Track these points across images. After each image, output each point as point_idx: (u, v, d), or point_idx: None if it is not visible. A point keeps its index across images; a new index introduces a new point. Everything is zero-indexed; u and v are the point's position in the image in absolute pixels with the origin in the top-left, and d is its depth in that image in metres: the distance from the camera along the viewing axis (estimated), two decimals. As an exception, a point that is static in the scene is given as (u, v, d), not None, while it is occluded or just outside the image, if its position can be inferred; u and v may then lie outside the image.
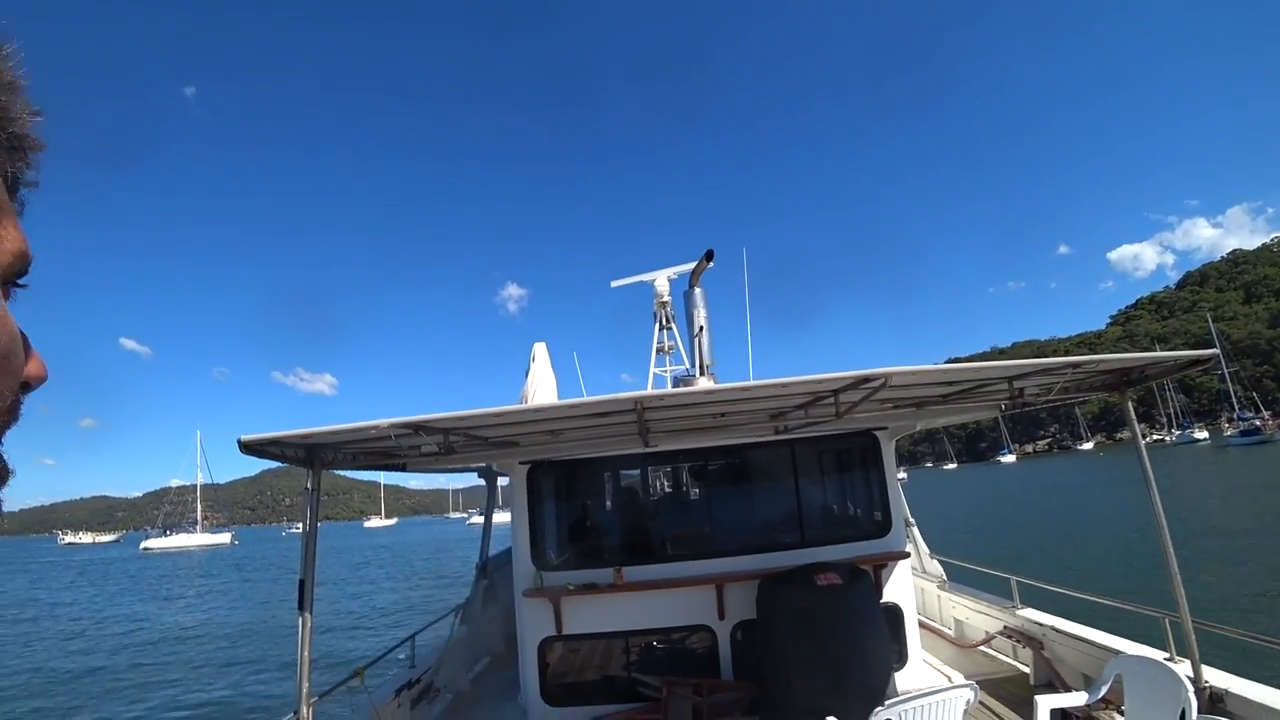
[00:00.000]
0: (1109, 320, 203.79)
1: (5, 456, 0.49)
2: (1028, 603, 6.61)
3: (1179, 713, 3.80)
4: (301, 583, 4.03)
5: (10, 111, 0.46)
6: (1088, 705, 4.54)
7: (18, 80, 0.46)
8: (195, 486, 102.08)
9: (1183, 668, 4.21)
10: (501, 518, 8.20)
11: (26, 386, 0.50)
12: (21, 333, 0.49)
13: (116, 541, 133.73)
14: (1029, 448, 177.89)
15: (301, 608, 4.00)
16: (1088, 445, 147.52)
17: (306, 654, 4.00)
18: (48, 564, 69.03)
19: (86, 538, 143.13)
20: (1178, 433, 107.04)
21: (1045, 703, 4.43)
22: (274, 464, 4.24)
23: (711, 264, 7.12)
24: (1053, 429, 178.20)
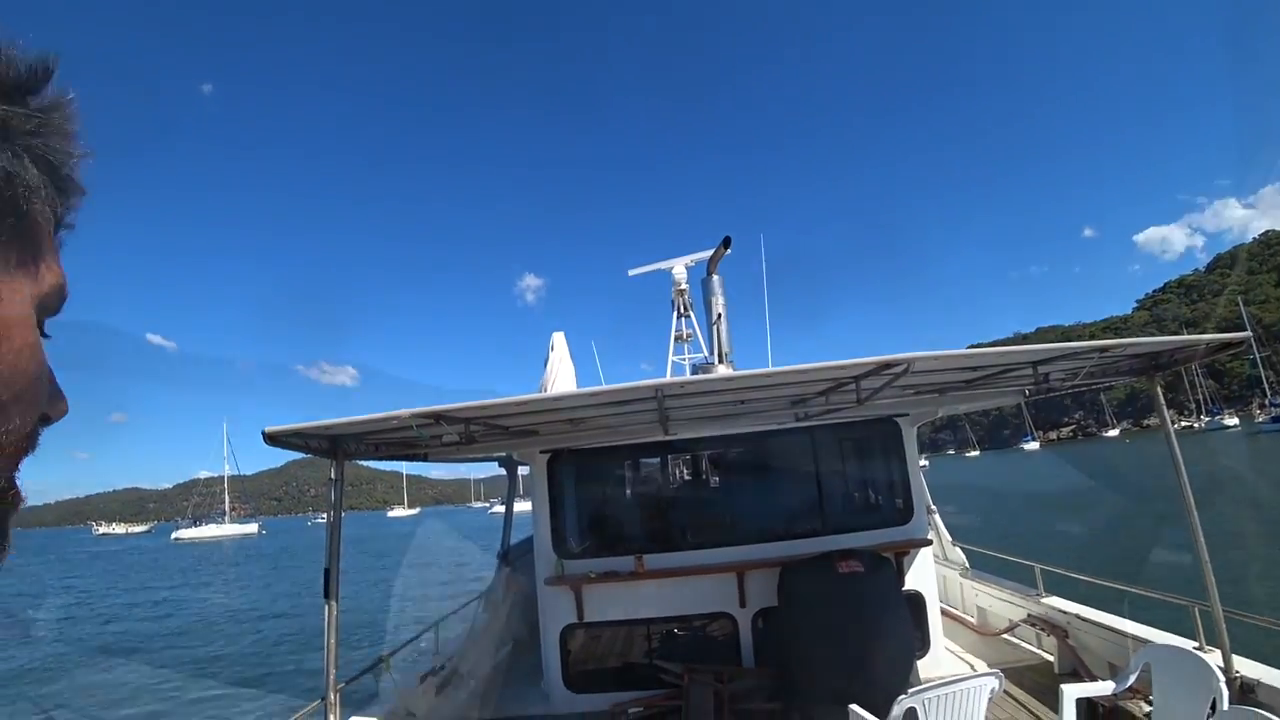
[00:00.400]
0: (1135, 304, 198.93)
1: (19, 484, 0.50)
2: (1052, 590, 6.52)
3: (1209, 703, 3.73)
4: (327, 571, 4.11)
5: (64, 157, 0.49)
6: (1115, 694, 4.47)
7: (72, 129, 0.49)
8: (223, 478, 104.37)
9: (1213, 657, 4.14)
10: (523, 506, 8.26)
11: (46, 420, 0.51)
12: (50, 372, 0.50)
13: (148, 532, 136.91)
14: (1052, 435, 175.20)
15: (327, 596, 4.08)
16: (1114, 432, 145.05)
17: (333, 641, 4.09)
18: (84, 554, 70.95)
19: (120, 528, 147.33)
20: (1207, 419, 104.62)
21: (1071, 692, 4.37)
22: (299, 455, 4.31)
23: (729, 251, 7.09)
24: (1077, 415, 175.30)
